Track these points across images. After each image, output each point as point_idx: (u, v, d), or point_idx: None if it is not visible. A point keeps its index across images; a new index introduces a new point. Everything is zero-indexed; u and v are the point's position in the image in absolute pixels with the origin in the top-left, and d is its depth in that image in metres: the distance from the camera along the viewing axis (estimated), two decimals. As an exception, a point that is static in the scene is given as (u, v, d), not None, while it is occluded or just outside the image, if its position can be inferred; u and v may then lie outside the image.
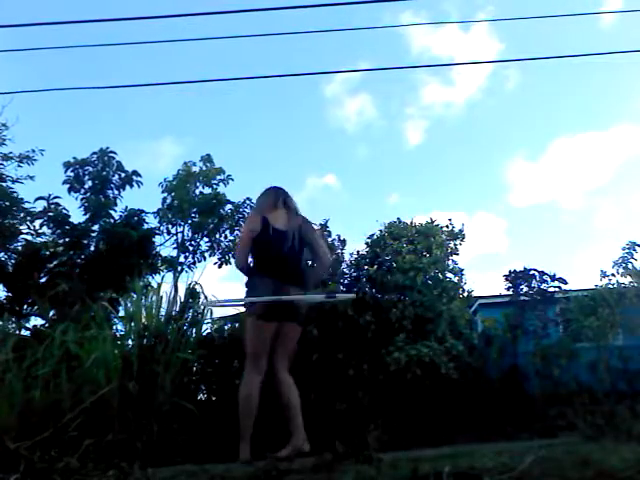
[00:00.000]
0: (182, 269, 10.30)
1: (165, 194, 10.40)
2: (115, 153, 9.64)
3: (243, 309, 3.87)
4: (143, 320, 4.77)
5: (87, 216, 9.30)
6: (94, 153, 9.61)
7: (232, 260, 10.45)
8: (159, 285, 5.22)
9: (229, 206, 10.42)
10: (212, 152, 10.82)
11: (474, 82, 25.47)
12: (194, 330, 5.28)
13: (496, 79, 24.22)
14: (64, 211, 9.03)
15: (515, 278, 8.57)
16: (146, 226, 9.66)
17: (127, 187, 9.68)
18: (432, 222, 8.69)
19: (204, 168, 10.69)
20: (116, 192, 9.63)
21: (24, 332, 7.10)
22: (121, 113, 21.57)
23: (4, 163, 9.40)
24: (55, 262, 8.62)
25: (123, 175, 9.65)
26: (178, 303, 5.09)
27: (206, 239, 10.37)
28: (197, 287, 5.37)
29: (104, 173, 9.53)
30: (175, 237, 10.44)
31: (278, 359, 3.38)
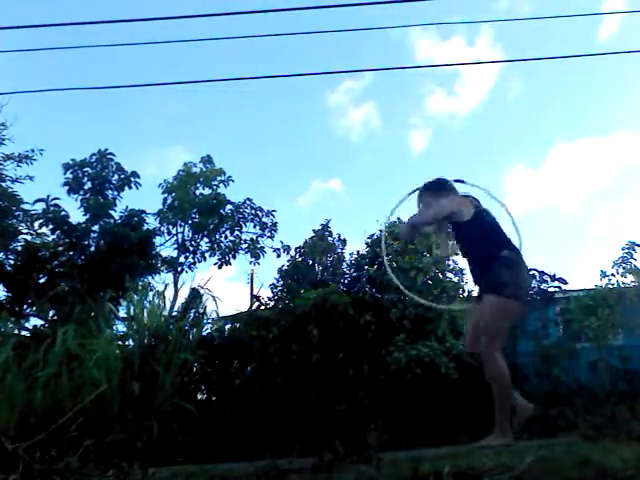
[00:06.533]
0: (182, 269, 10.32)
1: (165, 195, 10.43)
2: (114, 154, 9.64)
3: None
4: (144, 321, 4.77)
5: (87, 217, 9.30)
6: (93, 154, 9.61)
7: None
8: (164, 288, 5.24)
9: (229, 206, 10.44)
10: (220, 157, 10.84)
11: (477, 94, 25.67)
12: (195, 330, 5.29)
13: (499, 91, 24.40)
14: (63, 212, 9.02)
15: (515, 278, 8.54)
16: (146, 227, 9.66)
17: (127, 189, 9.68)
18: (432, 222, 8.67)
19: (204, 169, 10.71)
20: (115, 193, 9.63)
21: (24, 332, 7.11)
22: (132, 120, 21.53)
23: (3, 163, 9.41)
24: (55, 262, 8.61)
25: (122, 176, 9.65)
26: (179, 304, 5.11)
27: (206, 239, 10.39)
28: (198, 288, 5.39)
29: (103, 174, 9.53)
30: (175, 237, 10.46)
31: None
